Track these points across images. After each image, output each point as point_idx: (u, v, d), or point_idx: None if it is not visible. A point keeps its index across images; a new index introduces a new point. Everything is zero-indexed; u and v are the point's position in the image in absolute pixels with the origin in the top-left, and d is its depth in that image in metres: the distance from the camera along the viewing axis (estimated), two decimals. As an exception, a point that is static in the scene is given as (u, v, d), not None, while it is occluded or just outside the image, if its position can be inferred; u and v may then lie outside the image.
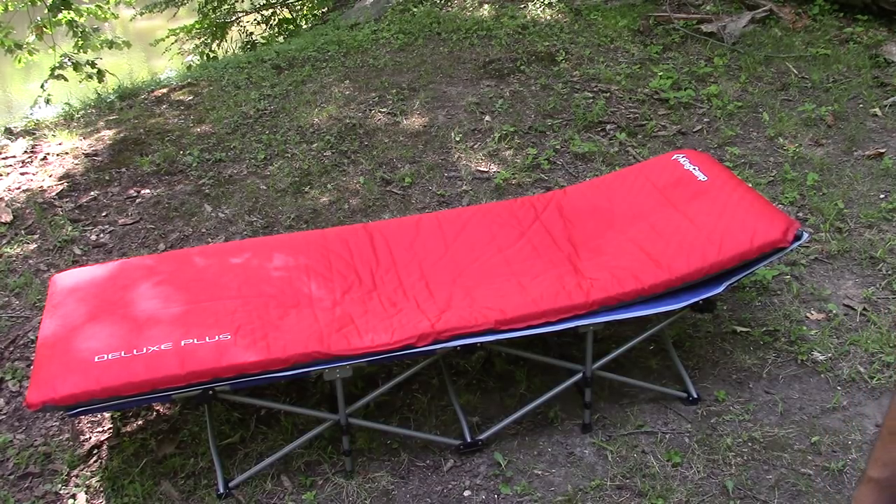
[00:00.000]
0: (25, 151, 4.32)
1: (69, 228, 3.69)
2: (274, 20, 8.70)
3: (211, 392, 2.31)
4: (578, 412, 2.73)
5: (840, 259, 3.41)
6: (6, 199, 3.89)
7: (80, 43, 6.20)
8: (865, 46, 4.97)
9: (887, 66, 4.76)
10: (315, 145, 4.29)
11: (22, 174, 4.12)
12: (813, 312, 3.14)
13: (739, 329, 3.08)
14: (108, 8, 6.61)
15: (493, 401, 2.83)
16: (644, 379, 2.85)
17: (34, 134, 4.53)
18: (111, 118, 4.71)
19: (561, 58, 5.03)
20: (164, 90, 5.07)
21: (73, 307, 2.56)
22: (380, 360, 2.41)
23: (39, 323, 2.77)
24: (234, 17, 8.66)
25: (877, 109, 4.41)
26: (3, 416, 2.80)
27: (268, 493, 2.51)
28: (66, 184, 4.02)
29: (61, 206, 3.85)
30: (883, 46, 4.92)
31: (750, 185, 3.77)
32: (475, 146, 4.25)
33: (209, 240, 3.64)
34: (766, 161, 4.06)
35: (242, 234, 3.67)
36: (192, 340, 2.36)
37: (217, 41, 8.43)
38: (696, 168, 3.00)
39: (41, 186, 4.00)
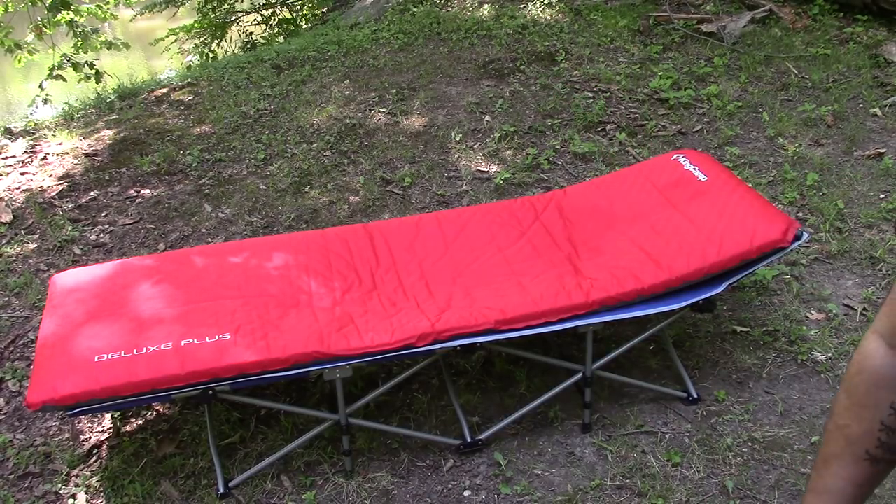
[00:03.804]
0: (25, 151, 4.32)
1: (69, 228, 3.69)
2: (274, 20, 8.71)
3: (211, 392, 2.31)
4: (578, 412, 2.73)
5: (840, 259, 3.41)
6: (6, 199, 3.89)
7: (80, 43, 6.20)
8: (865, 46, 4.97)
9: (887, 66, 4.76)
10: (315, 145, 4.29)
11: (22, 174, 4.12)
12: (813, 312, 3.14)
13: (739, 329, 3.08)
14: (108, 8, 6.61)
15: (493, 401, 2.83)
16: (644, 379, 2.85)
17: (34, 134, 4.53)
18: (111, 118, 4.71)
19: (561, 58, 5.03)
20: (164, 90, 5.07)
21: (73, 307, 2.56)
22: (380, 360, 2.41)
23: (39, 323, 2.77)
24: (233, 17, 8.66)
25: (877, 109, 4.41)
26: (3, 416, 2.80)
27: (268, 493, 2.51)
28: (66, 184, 4.02)
29: (61, 206, 3.85)
30: (883, 46, 4.92)
31: (750, 185, 3.77)
32: (475, 146, 4.25)
33: (209, 240, 3.64)
34: (766, 161, 4.06)
35: (242, 234, 3.67)
36: (192, 340, 2.36)
37: (217, 41, 8.44)
38: (696, 168, 3.00)
39: (41, 186, 4.00)
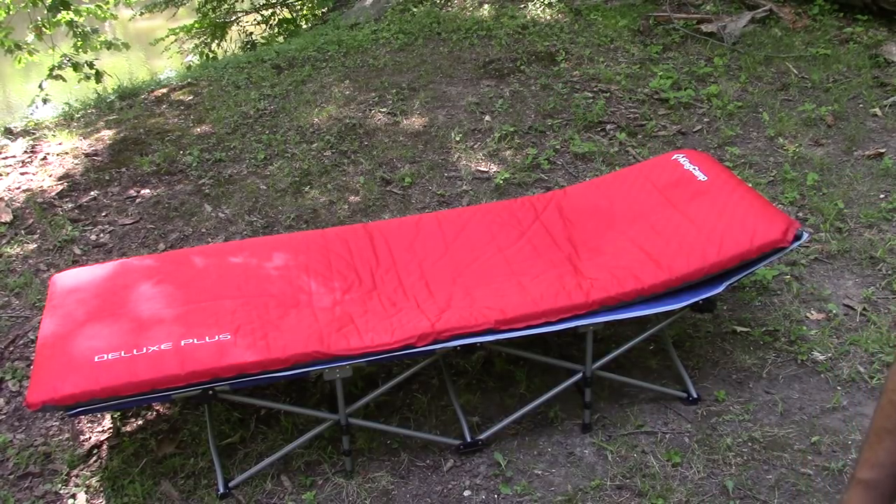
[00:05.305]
0: (25, 151, 4.32)
1: (69, 228, 3.69)
2: (274, 20, 8.71)
3: (211, 392, 2.31)
4: (578, 412, 2.73)
5: (840, 259, 3.41)
6: (6, 199, 3.89)
7: (80, 43, 6.20)
8: (865, 46, 4.97)
9: (887, 66, 4.76)
10: (315, 145, 4.29)
11: (22, 174, 4.12)
12: (813, 312, 3.15)
13: (739, 329, 3.08)
14: (108, 8, 6.61)
15: (493, 401, 2.83)
16: (644, 379, 2.85)
17: (34, 134, 4.53)
18: (111, 118, 4.71)
19: (561, 58, 5.03)
20: (164, 90, 5.07)
21: (73, 307, 2.56)
22: (380, 360, 2.41)
23: (39, 323, 2.77)
24: (233, 17, 8.66)
25: (877, 109, 4.41)
26: (3, 416, 2.80)
27: (268, 493, 2.51)
28: (66, 184, 4.02)
29: (61, 206, 3.85)
30: (883, 46, 4.92)
31: (750, 185, 3.77)
32: (475, 146, 4.25)
33: (209, 240, 3.64)
34: (766, 161, 4.06)
35: (242, 234, 3.67)
36: (192, 340, 2.36)
37: (217, 41, 8.44)
38: (696, 168, 3.00)
39: (41, 186, 4.00)
